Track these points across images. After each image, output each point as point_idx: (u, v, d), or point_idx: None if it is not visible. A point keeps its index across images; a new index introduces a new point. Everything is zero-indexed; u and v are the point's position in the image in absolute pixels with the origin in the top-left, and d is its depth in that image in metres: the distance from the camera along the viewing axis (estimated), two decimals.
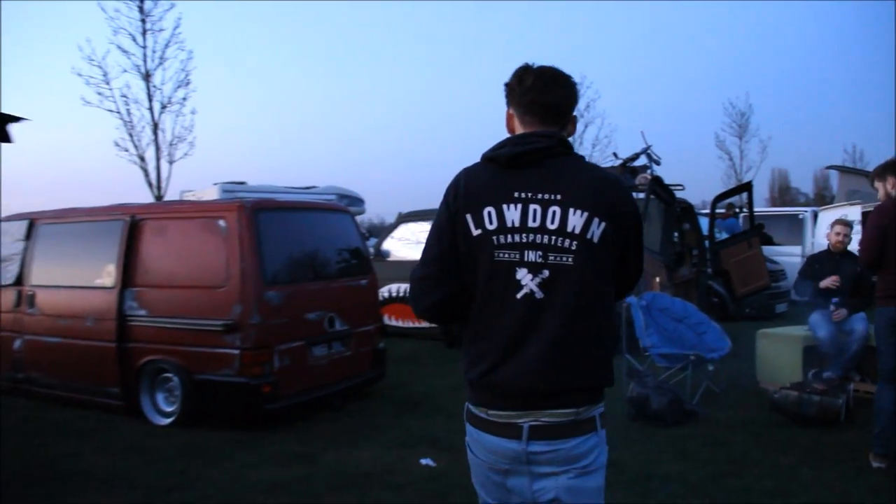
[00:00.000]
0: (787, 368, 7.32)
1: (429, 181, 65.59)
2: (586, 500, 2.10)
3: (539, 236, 2.04)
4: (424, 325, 11.08)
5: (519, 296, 2.04)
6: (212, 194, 23.07)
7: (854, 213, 14.66)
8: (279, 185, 25.01)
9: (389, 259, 11.53)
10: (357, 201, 25.21)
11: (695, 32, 67.63)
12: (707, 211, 12.23)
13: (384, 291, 11.40)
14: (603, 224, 2.03)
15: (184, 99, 19.73)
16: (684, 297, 8.83)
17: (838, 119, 72.50)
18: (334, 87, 75.47)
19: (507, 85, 2.21)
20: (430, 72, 74.00)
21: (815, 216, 15.58)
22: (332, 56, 75.35)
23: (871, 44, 70.66)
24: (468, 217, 2.07)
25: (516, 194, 2.05)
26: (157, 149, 19.65)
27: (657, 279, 8.69)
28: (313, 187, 25.61)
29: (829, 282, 7.25)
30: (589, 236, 2.03)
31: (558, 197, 2.04)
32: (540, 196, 2.05)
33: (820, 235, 15.01)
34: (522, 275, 2.04)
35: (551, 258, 2.03)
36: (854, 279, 7.24)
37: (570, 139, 2.25)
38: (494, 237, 2.05)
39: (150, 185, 19.89)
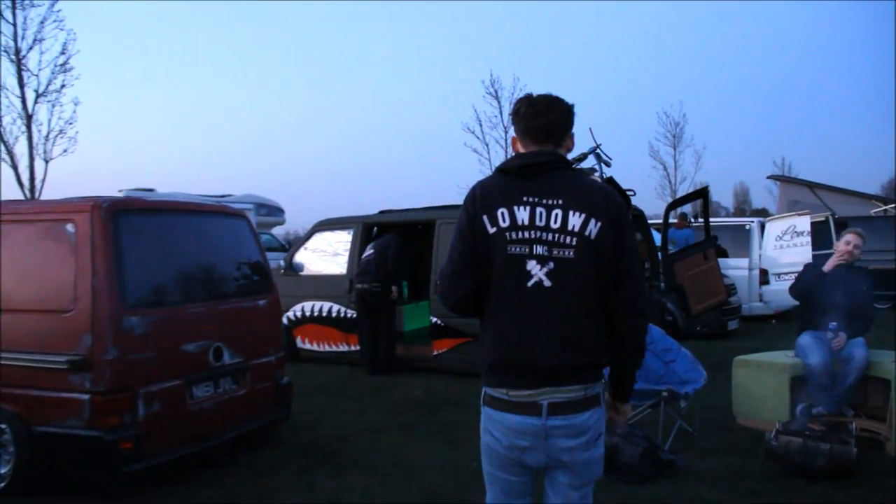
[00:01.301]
0: (770, 403, 6.17)
1: (355, 191, 63.70)
2: (593, 466, 2.54)
3: (545, 233, 2.45)
4: (343, 348, 9.66)
5: (530, 284, 2.44)
6: None
7: (803, 223, 13.87)
8: (192, 193, 23.40)
9: (303, 273, 10.07)
10: (276, 211, 23.71)
11: (628, 37, 67.44)
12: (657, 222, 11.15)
13: (297, 310, 9.96)
14: (599, 223, 2.45)
15: (62, 87, 17.54)
16: None
17: (754, 134, 73.51)
18: (256, 92, 73.09)
19: (511, 114, 2.71)
20: (359, 78, 72.34)
21: (762, 227, 14.75)
22: (252, 63, 72.99)
23: (789, 59, 71.92)
24: (485, 217, 2.47)
25: (525, 198, 2.47)
26: (31, 144, 17.35)
27: None
28: (229, 195, 24.07)
29: (834, 261, 6.18)
30: (587, 234, 2.44)
31: (560, 201, 2.46)
32: (545, 201, 2.46)
33: (768, 247, 14.20)
34: (532, 265, 2.44)
35: (555, 252, 2.44)
36: (859, 298, 6.11)
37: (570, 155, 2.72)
38: (507, 233, 2.45)
39: (21, 185, 17.54)
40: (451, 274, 2.54)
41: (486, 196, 2.50)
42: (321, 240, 10.07)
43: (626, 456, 4.99)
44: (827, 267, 6.24)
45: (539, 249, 2.43)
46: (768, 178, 38.40)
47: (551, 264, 2.42)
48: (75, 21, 51.49)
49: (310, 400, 7.88)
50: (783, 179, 18.38)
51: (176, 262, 5.43)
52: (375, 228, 9.84)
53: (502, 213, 2.45)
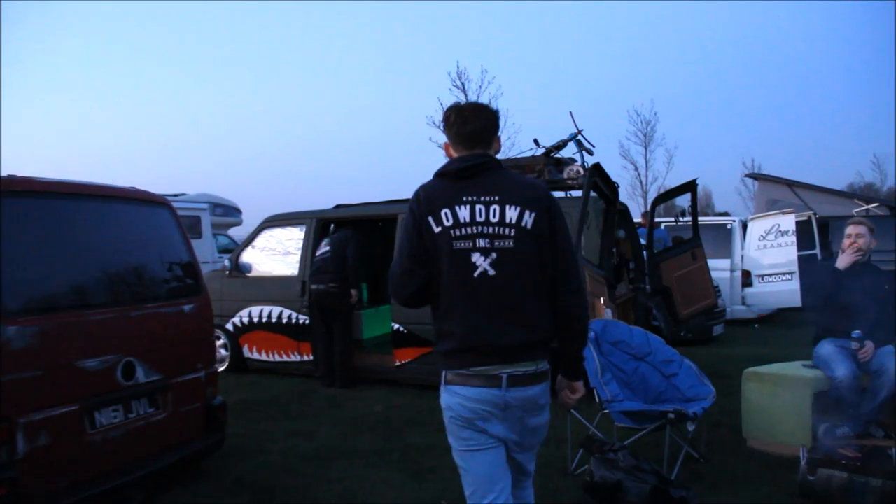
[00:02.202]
0: (788, 423, 5.30)
1: (315, 190, 62.07)
2: (541, 432, 2.84)
3: (486, 227, 2.67)
4: (295, 358, 8.64)
5: (476, 274, 2.67)
6: None
7: (787, 221, 13.15)
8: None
9: (250, 274, 9.03)
10: (233, 211, 22.54)
11: (599, 30, 66.43)
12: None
13: (243, 316, 8.93)
14: (534, 214, 2.69)
15: None
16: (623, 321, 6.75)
17: (722, 134, 73.36)
18: (211, 88, 71.15)
19: (442, 121, 2.92)
20: (319, 71, 70.73)
21: (745, 226, 14.01)
22: (208, 59, 71.23)
23: (760, 59, 72.00)
24: (430, 218, 2.69)
25: (464, 198, 2.70)
26: None
27: (601, 300, 6.55)
28: (182, 195, 22.87)
29: (848, 257, 5.36)
30: (523, 224, 2.68)
31: (497, 198, 2.70)
32: (483, 198, 2.70)
33: (750, 247, 13.45)
34: (476, 257, 2.67)
35: (497, 243, 2.67)
36: (882, 300, 5.27)
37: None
38: (452, 231, 2.68)
39: None
40: (402, 272, 2.78)
41: (429, 199, 2.73)
42: (270, 237, 9.02)
43: (633, 495, 4.07)
44: (841, 264, 5.41)
45: (482, 242, 2.66)
46: (746, 175, 37.89)
47: (494, 255, 2.67)
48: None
49: (253, 419, 6.86)
50: (762, 178, 17.67)
51: (75, 257, 4.39)
52: (332, 225, 8.83)
53: (445, 214, 2.68)
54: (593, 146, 7.98)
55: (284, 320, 8.67)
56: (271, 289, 8.78)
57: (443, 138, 2.96)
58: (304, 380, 8.59)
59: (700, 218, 15.43)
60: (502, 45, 59.15)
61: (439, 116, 22.08)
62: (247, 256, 9.11)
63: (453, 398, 2.72)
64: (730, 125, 70.29)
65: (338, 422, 6.78)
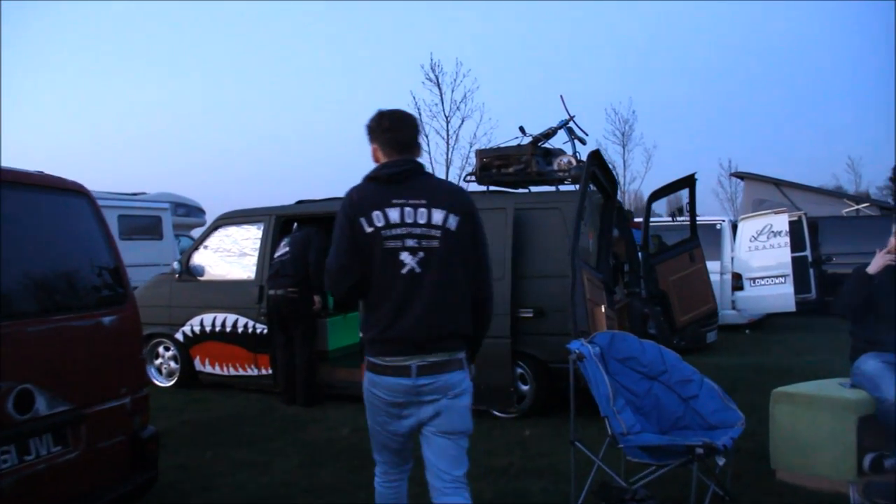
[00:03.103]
0: (829, 452, 4.50)
1: (281, 188, 60.42)
2: (459, 414, 3.01)
3: (414, 229, 2.90)
4: (252, 372, 7.72)
5: (404, 271, 2.89)
6: None
7: (780, 221, 12.46)
8: (98, 191, 21.05)
9: (202, 278, 8.08)
10: (196, 211, 21.48)
11: (577, 25, 65.14)
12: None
13: (195, 324, 7.99)
14: (457, 217, 2.95)
15: None
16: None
17: (699, 134, 73.04)
18: (172, 83, 69.08)
19: (368, 127, 3.09)
20: (284, 61, 68.98)
21: (734, 226, 13.30)
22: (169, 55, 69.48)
23: (738, 58, 71.86)
24: (362, 220, 2.90)
25: (394, 201, 2.91)
26: None
27: (601, 308, 5.72)
28: (141, 193, 21.79)
29: (884, 260, 4.60)
30: (447, 226, 2.93)
31: (424, 202, 2.93)
32: (411, 201, 2.92)
33: (741, 248, 12.74)
34: (405, 256, 2.89)
35: (423, 243, 2.90)
36: None
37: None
38: (383, 231, 2.89)
39: None
40: (339, 269, 2.97)
41: (361, 201, 2.94)
42: (224, 237, 8.08)
43: None
44: (872, 269, 4.63)
45: (410, 242, 2.91)
46: (732, 174, 37.03)
47: (421, 254, 2.90)
48: None
49: (200, 446, 5.95)
50: (749, 177, 16.98)
51: None
52: (295, 224, 7.92)
53: (377, 215, 2.90)
54: (586, 134, 7.17)
55: (240, 329, 7.74)
56: (225, 294, 7.85)
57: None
58: (262, 396, 7.69)
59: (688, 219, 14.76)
60: (478, 36, 57.51)
61: (410, 110, 21.13)
62: (198, 258, 8.16)
63: (371, 385, 3.00)
64: (706, 126, 69.83)
65: (299, 448, 5.88)
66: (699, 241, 8.77)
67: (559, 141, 7.17)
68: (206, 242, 8.17)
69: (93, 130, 62.67)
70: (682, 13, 64.16)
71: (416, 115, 3.24)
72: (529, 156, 6.95)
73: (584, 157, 6.62)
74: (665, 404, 4.57)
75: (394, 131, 3.02)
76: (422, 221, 2.91)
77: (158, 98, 65.36)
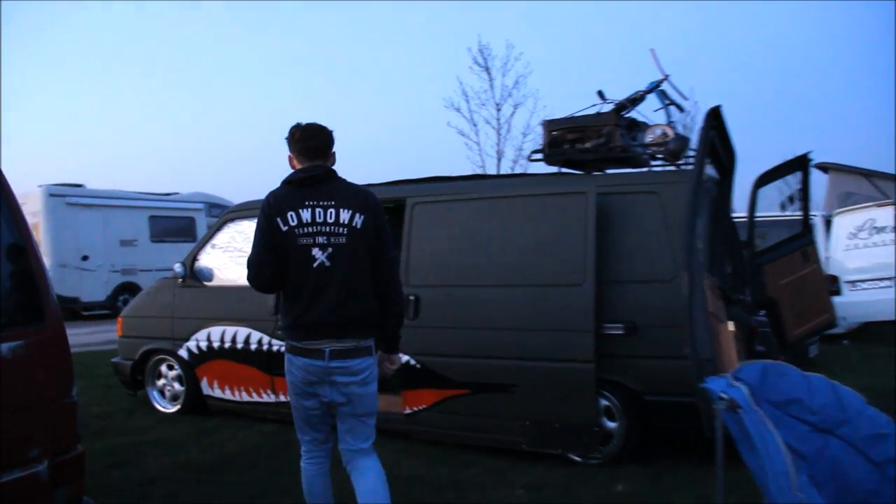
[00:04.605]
0: None
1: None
2: (368, 399, 3.43)
3: (323, 227, 3.29)
4: (268, 398, 6.34)
5: (315, 265, 3.29)
6: (35, 199, 17.92)
7: (885, 216, 10.76)
8: (129, 191, 19.99)
9: (210, 283, 6.72)
10: None
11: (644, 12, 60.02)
12: None
13: (201, 339, 6.64)
14: (362, 216, 3.33)
15: None
16: None
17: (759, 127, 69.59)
18: (208, 83, 67.97)
19: (286, 138, 3.47)
20: (326, 50, 67.43)
21: (828, 222, 11.63)
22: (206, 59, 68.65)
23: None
24: (278, 219, 3.28)
25: (307, 202, 3.31)
26: None
27: (728, 326, 4.22)
28: (174, 193, 20.71)
29: None
30: (354, 224, 3.32)
31: (333, 203, 3.33)
32: (322, 203, 3.32)
33: (837, 247, 11.07)
34: (316, 252, 3.28)
35: (332, 240, 3.30)
36: None
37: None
38: (296, 229, 3.28)
39: None
40: (258, 262, 3.36)
41: (277, 202, 3.32)
42: (236, 234, 6.67)
43: None
44: None
45: (320, 239, 3.29)
46: (816, 166, 34.67)
47: (330, 249, 3.29)
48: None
49: (197, 493, 4.61)
50: (834, 168, 15.22)
51: None
52: None
53: (291, 215, 3.28)
54: (685, 98, 5.65)
55: (253, 346, 6.35)
56: (236, 303, 6.45)
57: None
58: (280, 428, 6.23)
59: (772, 213, 13.13)
60: (530, 15, 53.44)
61: (458, 98, 19.55)
62: (205, 259, 6.80)
63: (289, 365, 3.40)
64: (764, 117, 66.07)
65: None
66: (813, 236, 7.19)
67: (648, 109, 5.67)
68: (214, 241, 6.79)
69: (124, 129, 61.97)
70: None
71: (330, 130, 3.50)
72: (612, 126, 5.45)
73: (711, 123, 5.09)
74: (848, 471, 3.06)
75: (305, 141, 3.40)
76: (331, 220, 3.29)
77: (193, 95, 64.54)
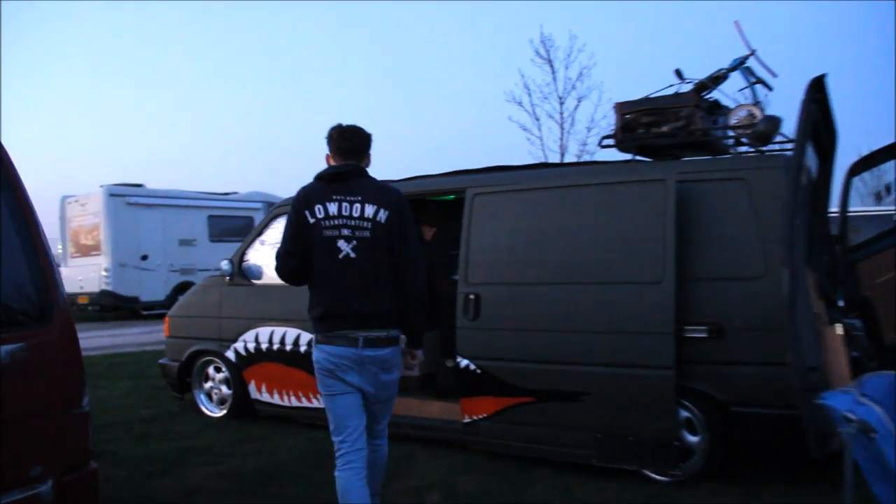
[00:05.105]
0: None
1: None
2: (391, 386, 3.61)
3: (349, 220, 3.42)
4: (319, 403, 5.93)
5: (340, 257, 3.41)
6: (96, 200, 18.02)
7: None
8: (188, 191, 20.01)
9: (259, 282, 6.38)
10: None
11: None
12: None
13: (249, 340, 6.33)
14: (386, 212, 3.45)
15: None
16: None
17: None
18: (265, 82, 67.96)
19: (326, 137, 3.62)
20: (384, 42, 66.96)
21: None
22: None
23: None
24: (306, 212, 3.43)
25: (334, 197, 3.45)
26: None
27: (836, 330, 3.70)
28: (233, 193, 20.67)
29: None
30: (378, 219, 3.44)
31: (359, 198, 3.46)
32: (349, 198, 3.45)
33: None
34: (341, 244, 3.41)
35: (357, 233, 3.42)
36: None
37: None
38: (323, 222, 3.42)
39: None
40: (285, 253, 3.52)
41: (307, 196, 3.49)
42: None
43: None
44: None
45: (345, 232, 3.42)
46: None
47: (354, 242, 3.41)
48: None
49: None
50: None
51: None
52: None
53: (318, 208, 3.42)
54: (774, 75, 5.09)
55: (303, 348, 5.98)
56: (286, 302, 6.06)
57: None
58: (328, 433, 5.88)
59: (862, 207, 12.29)
60: (594, 4, 50.79)
61: (519, 91, 18.97)
62: (254, 256, 6.46)
63: (320, 354, 3.48)
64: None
65: None
66: None
67: (731, 89, 5.13)
68: (263, 236, 6.45)
69: (185, 129, 62.64)
70: None
71: (368, 133, 3.67)
72: (693, 108, 4.92)
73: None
74: None
75: (341, 140, 3.57)
76: (356, 214, 3.43)
77: (254, 95, 65.03)
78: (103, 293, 17.31)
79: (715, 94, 5.24)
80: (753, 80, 5.05)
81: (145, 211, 17.92)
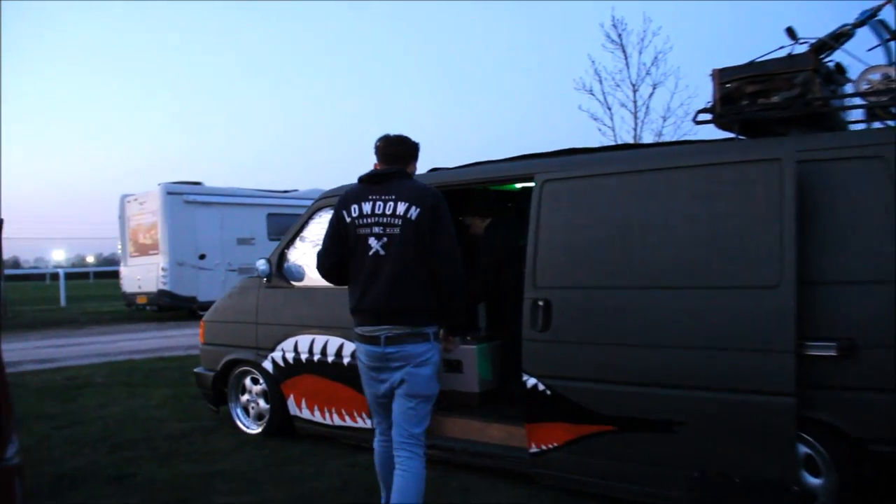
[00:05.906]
0: None
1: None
2: (421, 381, 3.59)
3: (380, 218, 3.55)
4: (363, 423, 5.26)
5: (370, 253, 3.56)
6: (154, 198, 17.79)
7: None
8: (247, 189, 19.67)
9: (299, 284, 5.67)
10: None
11: None
12: None
13: (288, 350, 5.68)
14: (418, 209, 3.52)
15: None
16: None
17: None
18: (326, 79, 67.55)
19: (374, 148, 3.80)
20: (453, 33, 65.97)
21: None
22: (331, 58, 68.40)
23: None
24: (344, 212, 3.65)
25: (370, 197, 3.61)
26: None
27: None
28: (293, 191, 20.28)
29: None
30: (409, 216, 3.52)
31: (393, 197, 3.57)
32: (383, 196, 3.59)
33: None
34: (372, 241, 3.55)
35: (388, 230, 3.54)
36: None
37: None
38: (356, 220, 3.60)
39: None
40: (324, 251, 3.75)
41: (346, 197, 3.71)
42: (328, 222, 5.61)
43: None
44: None
45: (377, 229, 3.55)
46: None
47: (385, 239, 3.54)
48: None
49: None
50: None
51: None
52: None
53: (354, 208, 3.62)
54: None
55: (346, 360, 5.26)
56: (327, 307, 5.37)
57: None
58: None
59: None
60: None
61: (589, 78, 17.99)
62: (294, 255, 5.76)
63: (358, 351, 3.74)
64: None
65: None
66: None
67: (859, 48, 4.21)
68: (304, 233, 5.74)
69: (245, 127, 62.89)
70: None
71: (414, 142, 3.84)
72: (810, 73, 4.02)
73: None
74: None
75: (386, 148, 3.76)
76: (388, 212, 3.54)
77: (315, 94, 65.03)
78: (161, 293, 17.11)
79: (837, 56, 4.34)
80: (887, 36, 4.12)
81: (203, 209, 17.63)
